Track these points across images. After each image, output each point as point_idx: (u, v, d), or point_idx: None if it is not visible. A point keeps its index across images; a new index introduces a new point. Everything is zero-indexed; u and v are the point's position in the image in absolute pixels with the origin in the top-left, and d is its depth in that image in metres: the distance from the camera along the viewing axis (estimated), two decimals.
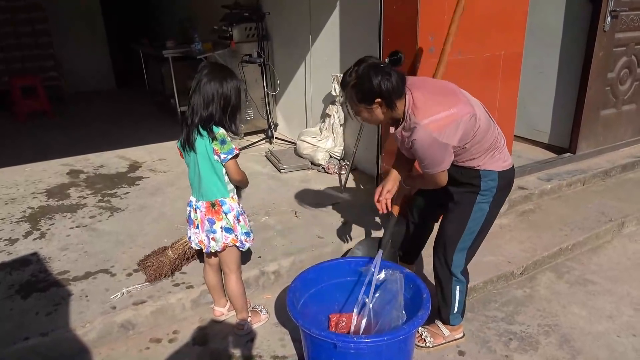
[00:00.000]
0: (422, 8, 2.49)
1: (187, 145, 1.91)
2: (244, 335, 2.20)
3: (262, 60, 4.49)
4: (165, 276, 2.41)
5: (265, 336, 2.22)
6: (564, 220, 3.22)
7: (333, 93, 3.79)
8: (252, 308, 2.33)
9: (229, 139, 1.90)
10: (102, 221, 3.10)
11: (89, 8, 7.56)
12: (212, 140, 1.87)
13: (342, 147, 3.96)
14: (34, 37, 6.91)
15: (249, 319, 2.21)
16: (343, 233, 2.82)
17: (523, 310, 2.46)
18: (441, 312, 2.16)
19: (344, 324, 2.06)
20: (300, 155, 4.06)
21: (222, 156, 1.90)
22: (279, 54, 4.78)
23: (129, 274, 2.47)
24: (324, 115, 4.07)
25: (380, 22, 2.78)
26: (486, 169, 1.90)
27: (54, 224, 3.08)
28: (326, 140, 3.94)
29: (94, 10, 7.64)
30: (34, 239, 2.87)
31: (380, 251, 1.98)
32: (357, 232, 2.85)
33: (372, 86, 1.70)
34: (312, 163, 3.94)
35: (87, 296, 2.30)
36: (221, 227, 2.00)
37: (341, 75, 3.77)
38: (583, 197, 3.59)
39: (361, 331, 1.93)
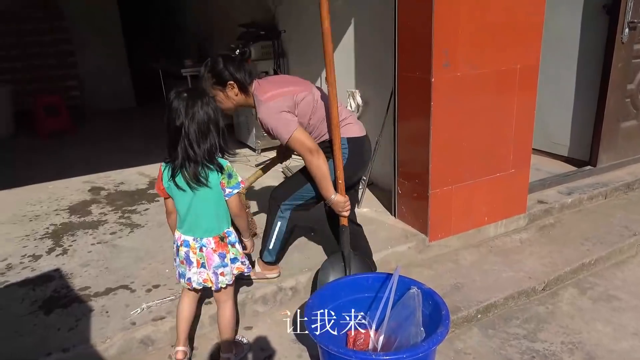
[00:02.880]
0: (437, 22, 2.51)
1: (195, 182, 1.80)
2: None
3: None
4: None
5: (284, 353, 2.21)
6: (585, 235, 3.16)
7: (348, 108, 3.81)
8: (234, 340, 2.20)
9: (234, 171, 1.87)
10: (122, 237, 3.14)
11: (110, 28, 7.78)
12: (220, 173, 1.83)
13: None
14: (57, 57, 7.14)
15: (233, 352, 2.11)
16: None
17: (545, 327, 2.40)
18: (261, 248, 2.47)
19: (362, 340, 2.05)
20: None
21: (227, 190, 1.86)
22: (295, 71, 4.84)
23: (149, 290, 2.49)
24: None
25: (395, 38, 2.81)
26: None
27: (75, 240, 3.14)
28: None
29: (115, 30, 7.86)
30: (57, 255, 2.93)
31: (399, 267, 1.97)
32: (374, 247, 2.84)
33: (224, 69, 2.13)
34: None
35: (107, 312, 2.33)
36: (230, 259, 1.96)
37: (357, 91, 3.81)
38: (605, 211, 3.52)
39: (379, 348, 1.91)
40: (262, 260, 2.50)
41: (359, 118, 3.83)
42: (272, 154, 4.84)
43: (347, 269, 2.36)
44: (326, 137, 2.28)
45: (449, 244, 3.01)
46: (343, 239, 2.35)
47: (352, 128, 2.29)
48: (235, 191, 1.88)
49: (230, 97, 2.21)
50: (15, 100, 6.42)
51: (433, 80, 2.59)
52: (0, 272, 2.75)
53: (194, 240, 1.90)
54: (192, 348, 2.16)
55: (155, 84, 7.00)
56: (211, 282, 1.94)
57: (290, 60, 4.84)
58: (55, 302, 2.43)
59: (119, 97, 8.02)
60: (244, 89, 2.19)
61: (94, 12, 7.47)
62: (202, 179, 1.80)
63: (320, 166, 2.16)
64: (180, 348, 2.05)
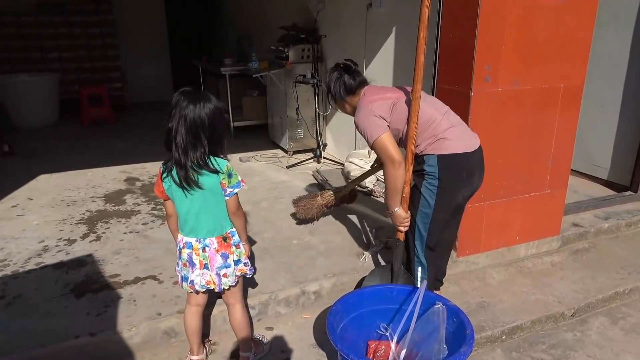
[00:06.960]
0: (480, 37, 2.47)
1: (188, 185, 1.76)
2: None
3: (315, 81, 4.58)
4: (311, 219, 2.98)
5: (302, 356, 2.21)
6: (621, 262, 3.05)
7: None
8: (252, 339, 2.20)
9: (234, 171, 1.83)
10: (153, 229, 3.22)
11: (154, 25, 8.02)
12: (218, 173, 1.78)
13: None
14: (103, 49, 7.40)
15: (252, 351, 2.14)
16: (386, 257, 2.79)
17: (572, 355, 2.33)
18: None
19: (382, 352, 2.03)
20: (347, 177, 4.07)
21: (228, 190, 1.81)
22: None
23: (176, 282, 2.54)
24: None
25: (436, 50, 2.78)
26: (426, 154, 2.16)
27: (109, 228, 3.23)
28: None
29: (160, 26, 8.10)
30: (90, 241, 3.03)
31: (425, 281, 1.95)
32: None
33: (327, 84, 2.36)
34: (359, 185, 3.94)
35: (135, 300, 2.39)
36: (233, 260, 1.93)
37: None
38: None
39: None
40: None
41: None
42: (304, 156, 4.89)
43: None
44: (418, 149, 2.18)
45: (477, 261, 2.96)
46: (396, 253, 2.32)
47: (446, 144, 2.12)
48: (236, 190, 1.83)
49: (334, 102, 2.42)
50: (61, 89, 6.69)
51: (472, 94, 2.55)
52: (37, 253, 2.86)
53: (196, 241, 1.87)
54: (205, 351, 2.16)
55: (195, 81, 7.16)
56: (214, 284, 1.91)
57: (329, 65, 4.86)
58: (87, 286, 2.51)
59: (159, 91, 8.23)
60: (339, 98, 2.34)
61: (141, 7, 7.73)
62: (194, 184, 1.76)
63: (397, 179, 2.12)
64: (195, 357, 2.08)
